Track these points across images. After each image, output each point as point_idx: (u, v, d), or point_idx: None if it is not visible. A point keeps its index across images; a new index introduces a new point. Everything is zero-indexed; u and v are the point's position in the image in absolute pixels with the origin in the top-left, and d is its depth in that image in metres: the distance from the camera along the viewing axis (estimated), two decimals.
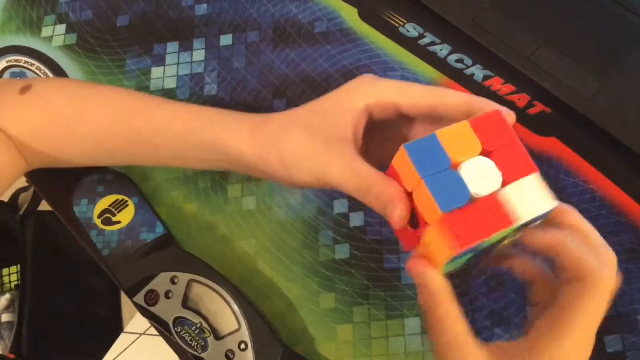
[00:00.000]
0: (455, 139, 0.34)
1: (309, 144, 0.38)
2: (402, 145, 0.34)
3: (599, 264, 0.32)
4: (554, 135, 0.49)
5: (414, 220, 0.35)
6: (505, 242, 0.36)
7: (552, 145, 0.49)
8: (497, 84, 0.51)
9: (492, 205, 0.32)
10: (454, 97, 0.36)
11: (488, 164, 0.33)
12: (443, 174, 0.33)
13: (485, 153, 0.34)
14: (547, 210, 0.33)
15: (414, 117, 0.39)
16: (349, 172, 0.37)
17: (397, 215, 0.34)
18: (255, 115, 0.42)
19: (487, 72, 0.52)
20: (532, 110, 0.50)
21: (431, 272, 0.33)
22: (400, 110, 0.38)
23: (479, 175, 0.33)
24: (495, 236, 0.33)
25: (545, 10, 0.52)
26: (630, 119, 0.48)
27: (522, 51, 0.51)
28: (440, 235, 0.32)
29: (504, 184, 0.33)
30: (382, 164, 0.41)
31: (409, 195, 0.34)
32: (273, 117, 0.41)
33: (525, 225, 0.33)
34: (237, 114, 0.43)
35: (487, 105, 0.36)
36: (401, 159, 0.34)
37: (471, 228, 0.32)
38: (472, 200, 0.33)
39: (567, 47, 0.50)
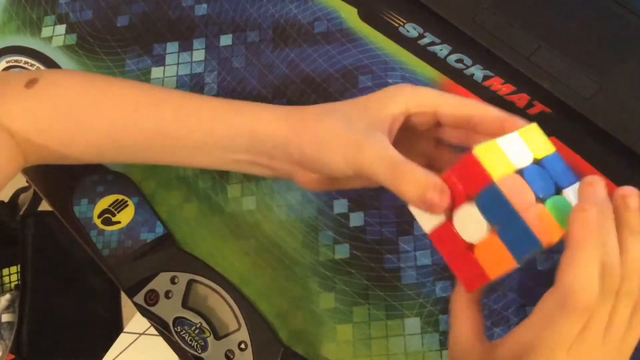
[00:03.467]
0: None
1: (346, 126, 0.39)
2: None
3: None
4: (554, 135, 0.49)
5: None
6: None
7: None
8: (497, 84, 0.51)
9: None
10: (492, 113, 0.38)
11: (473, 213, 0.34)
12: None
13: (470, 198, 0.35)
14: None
15: (447, 125, 0.40)
16: (385, 156, 0.37)
17: (445, 199, 0.34)
18: (287, 107, 0.42)
19: (487, 72, 0.52)
20: (532, 110, 0.50)
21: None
22: (439, 117, 0.39)
23: (470, 222, 0.35)
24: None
25: (545, 10, 0.52)
26: (630, 119, 0.48)
27: (522, 51, 0.51)
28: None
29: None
30: None
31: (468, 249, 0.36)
32: (308, 107, 0.41)
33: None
34: (267, 105, 0.43)
35: (516, 122, 0.37)
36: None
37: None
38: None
39: (567, 47, 0.50)
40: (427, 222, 0.36)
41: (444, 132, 0.41)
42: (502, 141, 0.34)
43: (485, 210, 0.34)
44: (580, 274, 0.31)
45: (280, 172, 0.43)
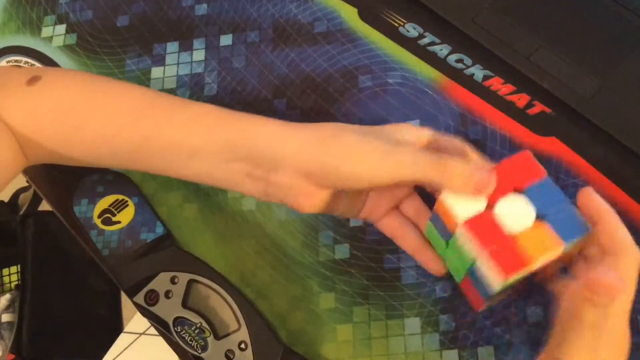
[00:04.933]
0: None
1: (373, 139, 0.39)
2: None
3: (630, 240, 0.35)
4: (554, 135, 0.49)
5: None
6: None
7: (552, 145, 0.49)
8: (497, 84, 0.51)
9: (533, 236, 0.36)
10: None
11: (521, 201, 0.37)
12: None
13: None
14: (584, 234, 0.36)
15: None
16: (421, 152, 0.38)
17: (493, 179, 0.36)
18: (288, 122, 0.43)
19: (487, 72, 0.52)
20: (532, 110, 0.50)
21: None
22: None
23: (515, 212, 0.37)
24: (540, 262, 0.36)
25: (545, 10, 0.52)
26: (631, 119, 0.48)
27: (522, 51, 0.51)
28: (489, 267, 0.36)
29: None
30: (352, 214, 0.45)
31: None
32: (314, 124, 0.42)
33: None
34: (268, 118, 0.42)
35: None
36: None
37: (515, 258, 0.35)
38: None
39: (567, 47, 0.50)
40: (464, 209, 0.37)
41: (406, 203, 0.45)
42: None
43: (535, 200, 0.36)
44: (625, 233, 0.35)
45: (275, 188, 0.41)
